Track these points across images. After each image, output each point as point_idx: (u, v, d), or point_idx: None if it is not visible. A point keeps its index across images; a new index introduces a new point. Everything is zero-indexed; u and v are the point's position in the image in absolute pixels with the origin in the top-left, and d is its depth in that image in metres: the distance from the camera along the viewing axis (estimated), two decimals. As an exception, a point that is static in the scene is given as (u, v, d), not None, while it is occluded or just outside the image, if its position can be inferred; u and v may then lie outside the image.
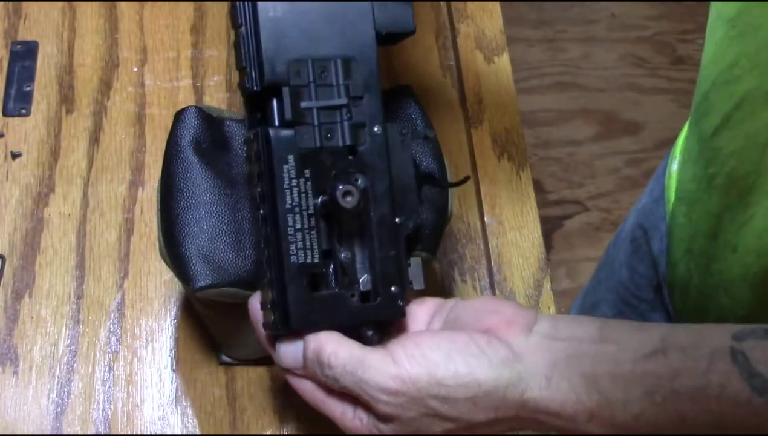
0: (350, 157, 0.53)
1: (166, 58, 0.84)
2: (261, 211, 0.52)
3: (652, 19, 2.12)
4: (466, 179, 0.62)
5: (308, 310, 0.51)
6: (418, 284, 0.55)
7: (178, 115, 0.63)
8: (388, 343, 0.51)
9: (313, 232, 0.52)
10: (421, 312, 0.55)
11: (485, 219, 0.78)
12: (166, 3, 0.87)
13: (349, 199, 0.51)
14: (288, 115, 0.52)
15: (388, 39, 0.55)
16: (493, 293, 0.76)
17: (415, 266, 0.55)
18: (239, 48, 0.53)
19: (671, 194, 0.74)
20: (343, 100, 0.53)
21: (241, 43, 0.53)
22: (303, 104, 0.52)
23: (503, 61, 0.86)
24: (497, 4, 0.89)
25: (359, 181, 0.52)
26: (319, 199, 0.52)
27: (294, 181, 0.51)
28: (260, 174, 0.52)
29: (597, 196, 1.92)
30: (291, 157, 0.51)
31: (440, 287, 0.75)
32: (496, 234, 0.77)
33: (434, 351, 0.49)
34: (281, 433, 0.69)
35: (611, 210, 1.89)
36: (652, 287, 0.81)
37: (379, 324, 0.54)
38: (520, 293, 0.75)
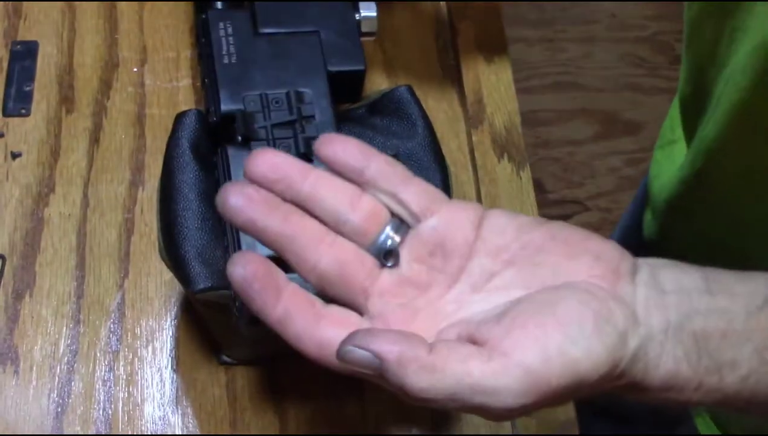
0: None
1: (166, 58, 0.84)
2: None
3: (652, 19, 2.12)
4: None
5: None
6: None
7: (179, 118, 0.63)
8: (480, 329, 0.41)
9: None
10: (462, 219, 0.44)
11: (485, 219, 0.78)
12: (166, 3, 0.87)
13: None
14: (241, 132, 0.59)
15: (341, 77, 0.64)
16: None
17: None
18: (206, 93, 0.64)
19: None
20: (294, 117, 0.60)
21: (206, 90, 0.64)
22: (256, 125, 0.60)
23: (503, 61, 0.86)
24: (497, 4, 0.89)
25: None
26: None
27: None
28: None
29: (597, 196, 1.92)
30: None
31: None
32: (496, 234, 0.77)
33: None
34: (281, 433, 0.69)
35: (611, 210, 1.89)
36: None
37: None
38: (520, 293, 0.75)
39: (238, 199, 0.42)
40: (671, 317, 0.40)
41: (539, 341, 0.38)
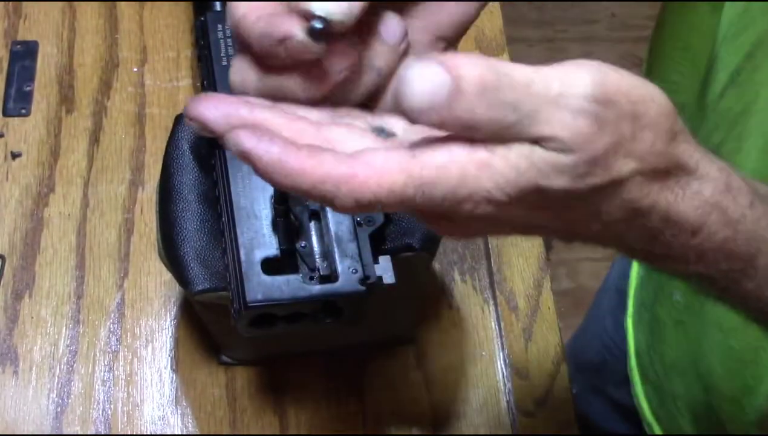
0: None
1: (166, 58, 0.84)
2: (223, 218, 0.57)
3: (652, 19, 2.12)
4: None
5: (265, 290, 0.54)
6: (388, 278, 0.57)
7: (179, 119, 0.63)
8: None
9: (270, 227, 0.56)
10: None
11: (485, 219, 0.78)
12: (166, 3, 0.87)
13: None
14: None
15: None
16: (493, 294, 0.76)
17: (384, 262, 0.57)
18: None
19: None
20: None
21: (205, 91, 0.62)
22: None
23: (503, 61, 0.86)
24: (497, 4, 0.89)
25: None
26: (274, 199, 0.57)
27: (248, 185, 0.57)
28: (222, 185, 0.57)
29: (597, 196, 1.91)
30: (245, 168, 0.56)
31: (440, 287, 0.75)
32: (496, 234, 0.77)
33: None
34: (281, 433, 0.69)
35: (611, 210, 1.89)
36: None
37: None
38: (520, 293, 0.75)
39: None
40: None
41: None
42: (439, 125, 0.33)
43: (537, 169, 0.33)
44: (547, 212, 0.35)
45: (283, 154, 0.33)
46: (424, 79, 0.32)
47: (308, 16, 0.35)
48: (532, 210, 0.35)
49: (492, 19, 0.88)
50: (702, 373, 0.65)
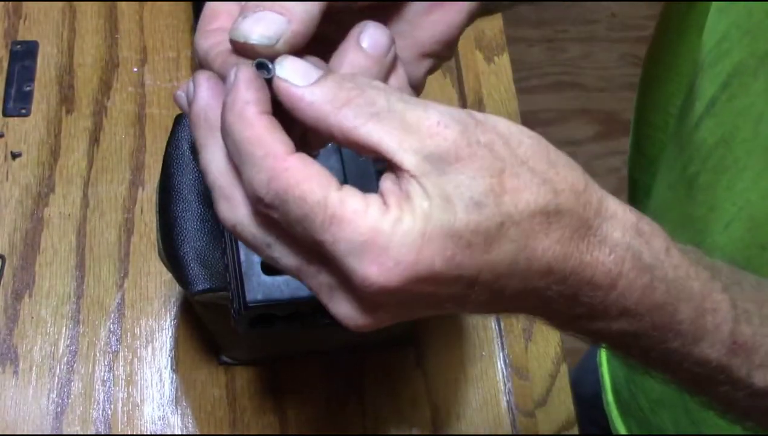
0: None
1: (166, 58, 0.84)
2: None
3: (652, 19, 2.11)
4: None
5: (265, 290, 0.54)
6: None
7: (179, 119, 0.63)
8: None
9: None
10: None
11: (485, 219, 0.78)
12: (166, 3, 0.87)
13: None
14: None
15: None
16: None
17: None
18: None
19: None
20: None
21: None
22: None
23: (503, 61, 0.86)
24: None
25: None
26: None
27: None
28: None
29: (597, 196, 1.91)
30: None
31: (440, 287, 0.75)
32: (496, 234, 0.77)
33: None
34: (281, 433, 0.69)
35: (611, 210, 1.89)
36: None
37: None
38: (520, 293, 0.75)
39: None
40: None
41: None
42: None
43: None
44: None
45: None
46: None
47: (251, 54, 0.37)
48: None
49: (492, 19, 0.88)
50: (689, 408, 0.64)
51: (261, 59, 0.36)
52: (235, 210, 0.36)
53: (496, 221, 0.34)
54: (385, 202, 0.34)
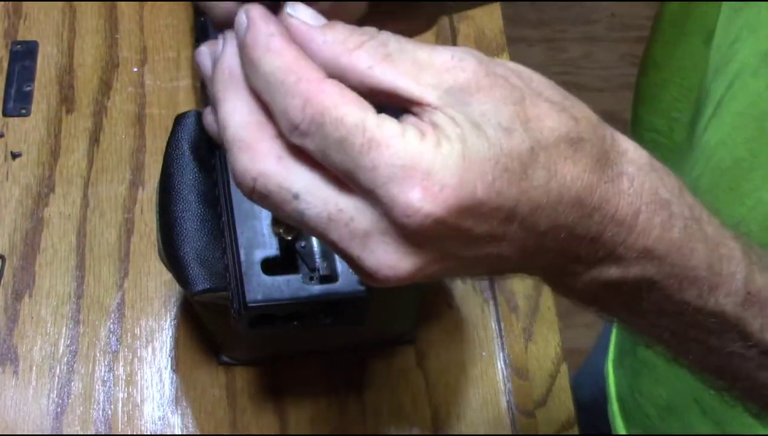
0: None
1: (166, 58, 0.84)
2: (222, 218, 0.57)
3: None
4: None
5: (265, 290, 0.53)
6: None
7: (179, 119, 0.63)
8: None
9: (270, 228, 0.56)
10: None
11: (485, 219, 0.78)
12: (166, 3, 0.87)
13: None
14: None
15: None
16: (493, 294, 0.76)
17: None
18: (204, 95, 0.58)
19: None
20: None
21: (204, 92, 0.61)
22: None
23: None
24: (497, 4, 0.89)
25: None
26: None
27: None
28: (222, 185, 0.57)
29: (597, 196, 1.91)
30: None
31: (440, 287, 0.75)
32: (496, 234, 0.77)
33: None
34: (281, 433, 0.69)
35: (611, 210, 1.89)
36: None
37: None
38: (519, 293, 0.75)
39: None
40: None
41: None
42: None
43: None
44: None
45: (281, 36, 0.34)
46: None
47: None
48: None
49: (492, 19, 0.88)
50: (708, 408, 0.63)
51: None
52: (259, 160, 0.34)
53: (527, 146, 0.33)
54: (420, 129, 0.33)
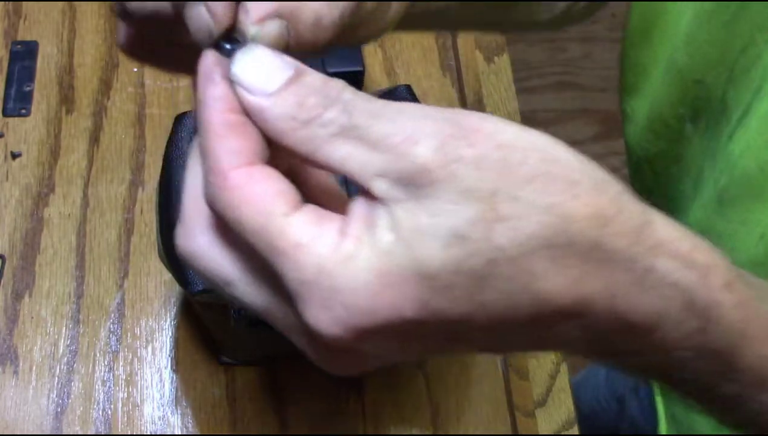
0: None
1: (166, 58, 0.84)
2: None
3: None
4: None
5: None
6: None
7: (179, 119, 0.63)
8: None
9: None
10: None
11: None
12: (166, 3, 0.87)
13: None
14: None
15: (339, 78, 0.61)
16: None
17: None
18: None
19: None
20: None
21: None
22: None
23: (503, 61, 0.86)
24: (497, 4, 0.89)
25: None
26: None
27: None
28: None
29: (597, 196, 1.91)
30: None
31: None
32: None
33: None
34: (281, 433, 0.69)
35: (611, 210, 1.89)
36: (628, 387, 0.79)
37: None
38: (520, 293, 0.75)
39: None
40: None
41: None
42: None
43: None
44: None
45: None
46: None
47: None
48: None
49: (492, 19, 0.88)
50: None
51: (222, 42, 0.31)
52: (191, 239, 0.32)
53: (485, 258, 0.28)
54: (344, 231, 0.28)
